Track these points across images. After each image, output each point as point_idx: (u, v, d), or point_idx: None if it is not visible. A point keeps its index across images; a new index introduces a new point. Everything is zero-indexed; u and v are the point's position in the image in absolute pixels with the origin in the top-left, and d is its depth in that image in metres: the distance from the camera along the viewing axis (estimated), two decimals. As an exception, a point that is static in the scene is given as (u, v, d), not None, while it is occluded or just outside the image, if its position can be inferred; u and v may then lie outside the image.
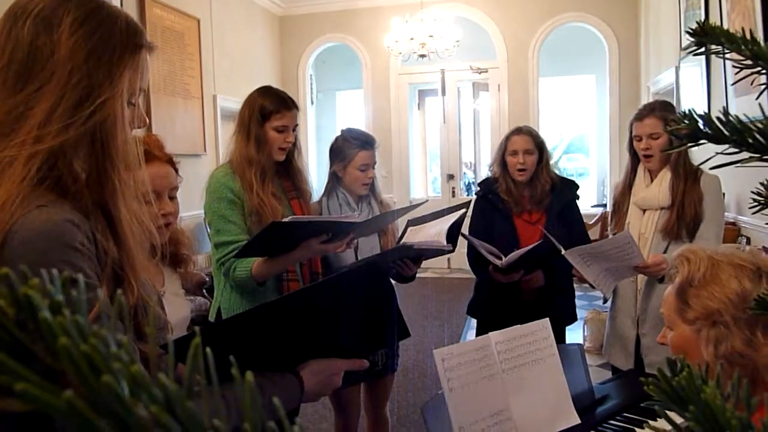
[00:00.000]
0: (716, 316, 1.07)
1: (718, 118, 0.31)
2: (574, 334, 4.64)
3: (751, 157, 0.31)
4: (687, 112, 0.32)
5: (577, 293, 6.60)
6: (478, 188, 2.56)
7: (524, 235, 2.38)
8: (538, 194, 2.40)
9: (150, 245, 0.99)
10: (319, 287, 1.08)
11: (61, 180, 0.81)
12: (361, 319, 1.13)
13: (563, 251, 1.98)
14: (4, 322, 0.20)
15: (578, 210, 2.48)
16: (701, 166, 2.17)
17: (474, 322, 2.69)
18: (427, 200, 2.36)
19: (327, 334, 1.09)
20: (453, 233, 2.11)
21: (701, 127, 0.31)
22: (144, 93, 0.94)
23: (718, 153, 0.33)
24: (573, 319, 2.49)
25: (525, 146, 2.38)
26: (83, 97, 0.82)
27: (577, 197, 2.49)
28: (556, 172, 2.55)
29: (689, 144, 0.33)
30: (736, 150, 0.31)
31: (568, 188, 2.47)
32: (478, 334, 2.55)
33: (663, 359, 2.14)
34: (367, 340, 1.21)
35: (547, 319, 1.52)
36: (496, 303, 2.40)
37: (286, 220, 1.72)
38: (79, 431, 0.19)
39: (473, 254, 2.34)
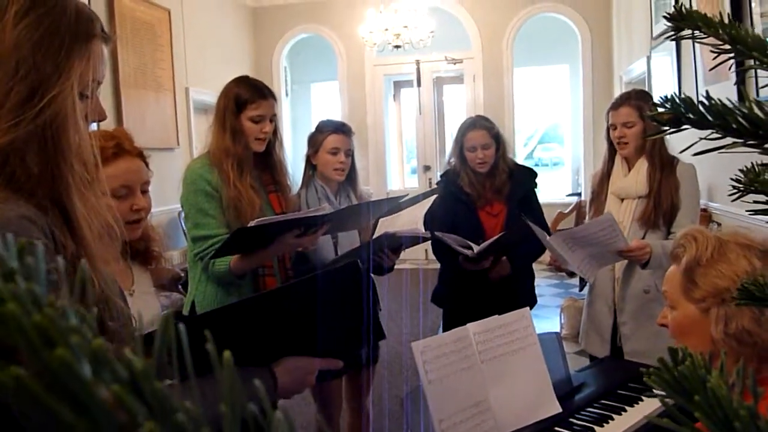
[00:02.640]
0: (725, 294, 1.07)
1: (701, 102, 0.30)
2: (551, 323, 4.70)
3: (734, 143, 0.30)
4: (669, 96, 0.31)
5: (552, 281, 6.67)
6: (440, 179, 2.57)
7: (488, 227, 2.40)
8: (498, 183, 2.42)
9: (121, 242, 0.97)
10: (296, 286, 1.07)
11: (14, 176, 0.79)
12: (338, 316, 1.12)
13: (547, 237, 1.99)
14: None
15: (537, 199, 2.51)
16: (678, 155, 2.19)
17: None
18: (407, 195, 2.36)
19: (303, 332, 1.07)
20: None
21: (684, 111, 0.31)
22: (99, 85, 0.91)
23: (701, 138, 0.32)
24: (534, 302, 2.52)
25: (482, 141, 2.39)
26: (32, 91, 0.79)
27: (535, 185, 2.51)
28: (514, 160, 2.57)
29: (671, 130, 0.32)
30: (719, 135, 0.30)
31: (526, 177, 2.49)
32: (445, 321, 2.57)
33: (642, 347, 2.16)
34: (343, 338, 1.20)
35: (527, 308, 1.52)
36: (462, 290, 2.41)
37: (251, 224, 1.71)
38: (33, 414, 0.17)
39: (437, 243, 2.34)
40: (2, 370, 0.16)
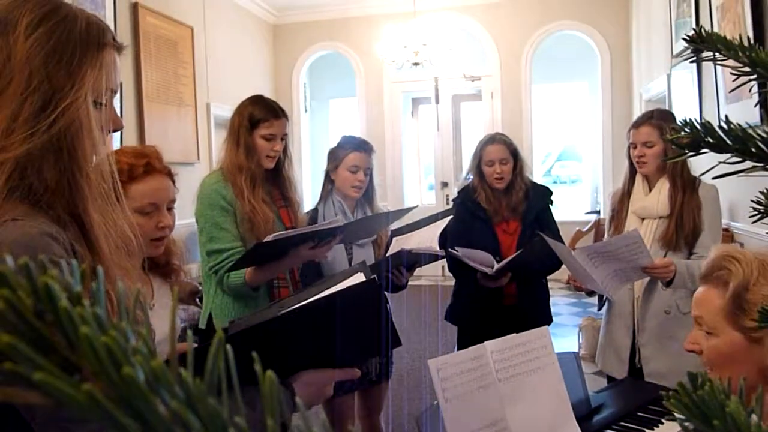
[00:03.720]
0: None
1: (720, 127, 0.31)
2: (569, 341, 4.64)
3: (754, 167, 0.30)
4: (688, 120, 0.31)
5: (571, 300, 6.60)
6: (456, 196, 2.58)
7: (504, 244, 2.40)
8: (515, 201, 2.42)
9: (141, 256, 0.98)
10: (316, 304, 1.07)
11: (32, 189, 0.80)
12: (356, 332, 1.13)
13: (573, 252, 1.97)
14: (22, 312, 0.19)
15: (552, 217, 2.50)
16: (699, 176, 2.17)
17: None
18: (417, 206, 2.38)
19: (321, 348, 1.08)
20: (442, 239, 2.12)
21: (703, 136, 0.31)
22: (114, 94, 0.91)
23: (720, 162, 0.32)
24: (549, 320, 2.49)
25: (500, 156, 2.40)
26: (45, 102, 0.79)
27: (551, 202, 2.50)
28: (531, 179, 2.57)
29: (690, 153, 0.32)
30: (739, 159, 0.30)
31: (541, 195, 2.49)
32: (459, 339, 2.56)
33: (663, 369, 2.11)
34: (360, 351, 1.21)
35: (546, 327, 1.51)
36: (477, 308, 2.40)
37: (269, 238, 1.75)
38: (98, 425, 0.18)
39: (452, 259, 2.34)
40: (76, 387, 0.18)
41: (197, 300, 2.35)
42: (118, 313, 0.21)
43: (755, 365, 1.02)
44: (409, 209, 2.24)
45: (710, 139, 0.31)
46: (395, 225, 2.28)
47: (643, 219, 2.20)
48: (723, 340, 1.08)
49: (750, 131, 0.31)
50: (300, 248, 1.83)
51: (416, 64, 6.07)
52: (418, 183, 8.53)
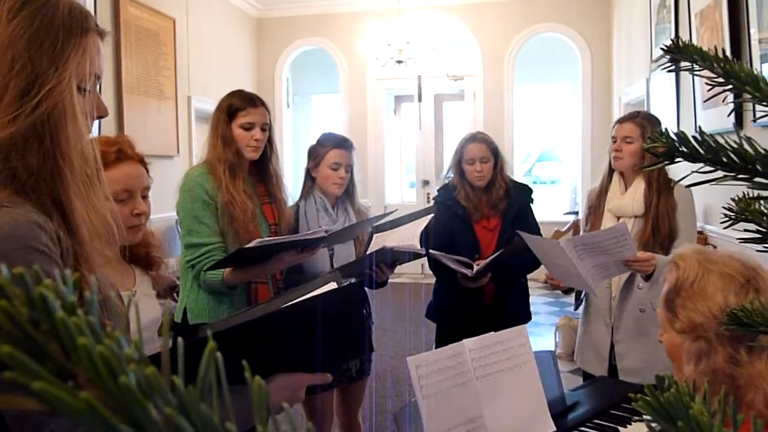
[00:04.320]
0: (699, 330, 1.03)
1: (694, 137, 0.32)
2: (546, 340, 4.70)
3: (725, 176, 0.32)
4: (664, 130, 0.33)
5: (548, 299, 6.66)
6: (437, 194, 2.59)
7: (484, 241, 2.42)
8: (494, 198, 2.44)
9: (119, 244, 0.97)
10: (297, 307, 1.07)
11: (16, 175, 0.79)
12: (333, 336, 1.13)
13: (561, 242, 2.00)
14: (19, 321, 0.20)
15: (532, 214, 2.53)
16: (674, 178, 2.22)
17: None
18: (396, 210, 2.39)
19: (297, 351, 1.08)
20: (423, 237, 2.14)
21: (677, 145, 0.32)
22: (98, 79, 0.91)
23: (693, 171, 0.34)
24: (528, 318, 2.52)
25: (481, 154, 2.42)
26: (28, 85, 0.79)
27: (531, 201, 2.54)
28: (512, 177, 2.59)
29: (665, 162, 0.34)
30: (711, 168, 0.32)
31: (522, 194, 2.52)
32: (437, 337, 2.58)
33: (637, 365, 2.14)
34: (337, 354, 1.21)
35: (524, 326, 1.53)
36: (456, 306, 2.42)
37: (252, 244, 1.74)
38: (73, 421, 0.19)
39: (433, 259, 2.35)
40: (73, 395, 0.18)
41: (174, 294, 2.34)
42: (111, 318, 0.22)
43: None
44: (389, 213, 2.26)
45: (684, 149, 0.32)
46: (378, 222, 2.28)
47: (618, 218, 2.24)
48: (668, 337, 1.13)
49: (722, 142, 0.33)
50: (283, 254, 1.84)
51: (400, 62, 6.08)
52: (400, 181, 8.54)
